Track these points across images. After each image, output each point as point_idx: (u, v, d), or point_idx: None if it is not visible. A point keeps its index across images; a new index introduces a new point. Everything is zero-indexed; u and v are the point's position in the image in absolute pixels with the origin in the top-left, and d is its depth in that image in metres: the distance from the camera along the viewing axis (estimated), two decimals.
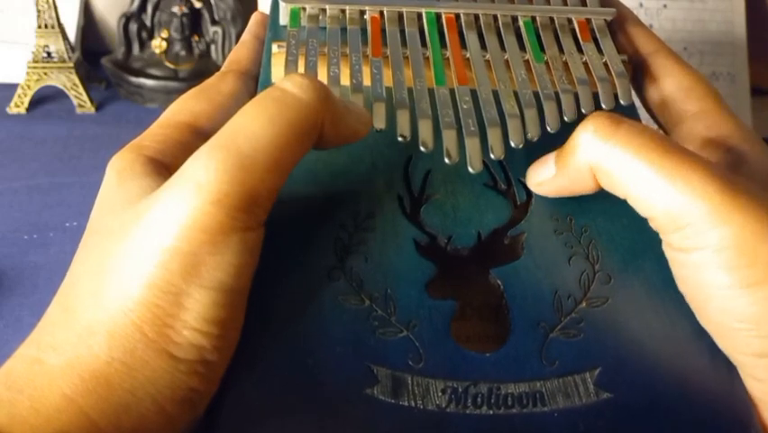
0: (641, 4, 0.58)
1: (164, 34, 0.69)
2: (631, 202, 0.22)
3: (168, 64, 0.69)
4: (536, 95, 0.27)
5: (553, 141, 0.26)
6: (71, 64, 0.65)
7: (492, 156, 0.25)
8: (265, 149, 0.20)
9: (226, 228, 0.19)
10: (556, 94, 0.27)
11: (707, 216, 0.20)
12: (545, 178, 0.25)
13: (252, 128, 0.20)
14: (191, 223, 0.19)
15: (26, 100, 0.65)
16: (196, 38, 0.70)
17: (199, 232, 0.19)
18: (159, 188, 0.20)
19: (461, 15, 0.30)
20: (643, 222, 0.24)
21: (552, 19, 0.30)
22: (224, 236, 0.19)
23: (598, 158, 0.22)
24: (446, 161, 0.24)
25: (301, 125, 0.20)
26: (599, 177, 0.23)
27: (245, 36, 0.33)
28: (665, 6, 0.58)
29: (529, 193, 0.26)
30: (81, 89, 0.65)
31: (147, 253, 0.19)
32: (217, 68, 0.69)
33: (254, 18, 0.34)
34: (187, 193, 0.19)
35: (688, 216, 0.21)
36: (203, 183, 0.19)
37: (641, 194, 0.22)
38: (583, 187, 0.24)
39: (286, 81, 0.21)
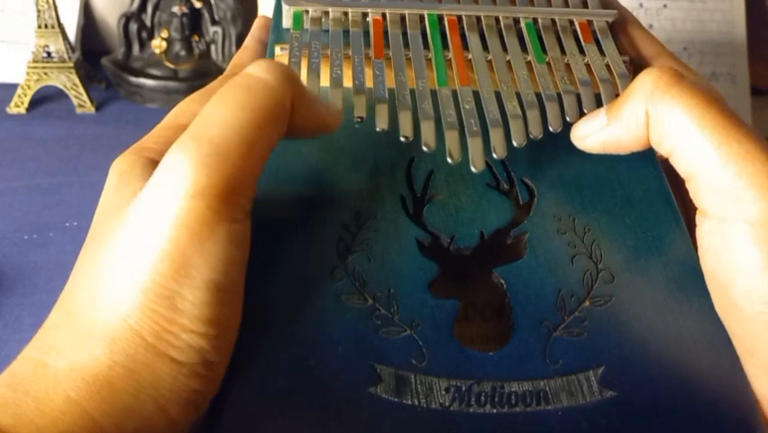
0: (641, 4, 0.58)
1: (164, 34, 0.69)
2: (676, 157, 0.22)
3: (168, 64, 0.69)
4: (538, 95, 0.27)
5: (556, 141, 0.26)
6: (71, 64, 0.65)
7: (495, 156, 0.25)
8: (237, 135, 0.19)
9: (210, 221, 0.19)
10: (558, 95, 0.27)
11: (750, 186, 0.20)
12: (595, 128, 0.25)
13: (222, 115, 0.20)
14: (174, 220, 0.19)
15: (26, 100, 0.65)
16: (196, 38, 0.70)
17: (183, 229, 0.19)
18: (141, 189, 0.20)
19: (463, 17, 0.30)
20: (645, 221, 0.24)
21: (553, 21, 0.30)
22: (209, 231, 0.19)
23: (655, 105, 0.22)
24: (449, 161, 0.24)
25: (269, 108, 0.20)
26: (651, 127, 0.23)
27: (248, 40, 0.33)
28: (665, 6, 0.58)
29: (532, 193, 0.26)
30: (81, 89, 0.65)
31: (136, 256, 0.19)
32: (217, 68, 0.69)
33: (257, 23, 0.34)
34: (167, 190, 0.19)
35: (730, 181, 0.21)
36: (181, 177, 0.19)
37: (688, 151, 0.22)
38: (634, 138, 0.23)
39: (252, 67, 0.21)
